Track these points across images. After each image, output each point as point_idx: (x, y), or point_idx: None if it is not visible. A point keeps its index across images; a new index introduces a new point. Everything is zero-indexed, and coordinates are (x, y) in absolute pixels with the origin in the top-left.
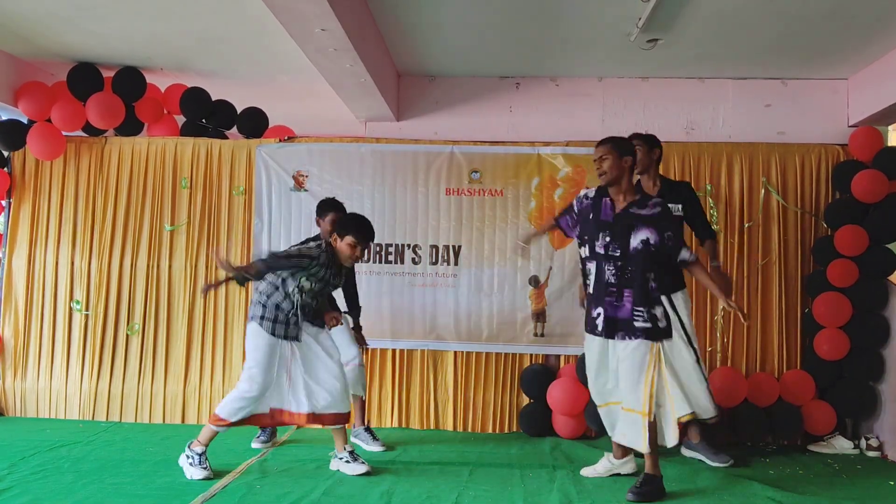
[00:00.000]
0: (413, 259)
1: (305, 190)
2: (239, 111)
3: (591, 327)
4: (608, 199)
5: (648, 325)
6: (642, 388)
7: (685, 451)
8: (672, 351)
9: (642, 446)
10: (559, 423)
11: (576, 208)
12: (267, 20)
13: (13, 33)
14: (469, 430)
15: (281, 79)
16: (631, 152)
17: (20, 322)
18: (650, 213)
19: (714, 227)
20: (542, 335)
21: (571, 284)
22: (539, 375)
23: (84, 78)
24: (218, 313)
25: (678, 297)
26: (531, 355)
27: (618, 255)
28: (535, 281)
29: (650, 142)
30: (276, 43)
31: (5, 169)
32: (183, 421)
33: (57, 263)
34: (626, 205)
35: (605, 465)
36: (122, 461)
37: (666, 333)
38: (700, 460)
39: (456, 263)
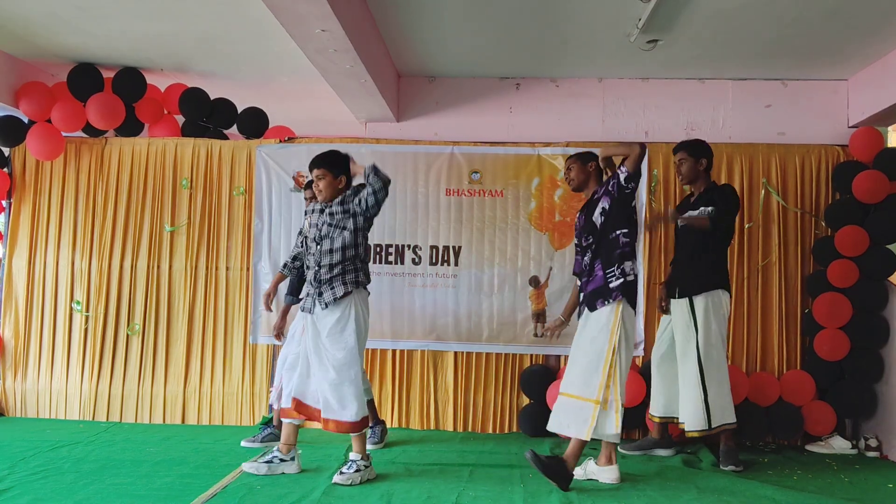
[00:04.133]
0: (413, 259)
1: None
2: (239, 111)
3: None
4: (581, 213)
5: (620, 280)
6: (599, 376)
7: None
8: (684, 354)
9: (584, 434)
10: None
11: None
12: (267, 20)
13: (13, 34)
14: (469, 430)
15: (281, 79)
16: (593, 157)
17: (20, 322)
18: (605, 187)
19: None
20: (543, 336)
21: (572, 285)
22: (539, 376)
23: (84, 78)
24: (218, 313)
25: (699, 302)
26: (531, 356)
27: (591, 241)
28: (535, 281)
29: (691, 148)
30: (276, 43)
31: (5, 169)
32: (183, 421)
33: (57, 264)
34: (588, 198)
35: (583, 469)
36: (123, 461)
37: (628, 290)
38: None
39: (456, 264)
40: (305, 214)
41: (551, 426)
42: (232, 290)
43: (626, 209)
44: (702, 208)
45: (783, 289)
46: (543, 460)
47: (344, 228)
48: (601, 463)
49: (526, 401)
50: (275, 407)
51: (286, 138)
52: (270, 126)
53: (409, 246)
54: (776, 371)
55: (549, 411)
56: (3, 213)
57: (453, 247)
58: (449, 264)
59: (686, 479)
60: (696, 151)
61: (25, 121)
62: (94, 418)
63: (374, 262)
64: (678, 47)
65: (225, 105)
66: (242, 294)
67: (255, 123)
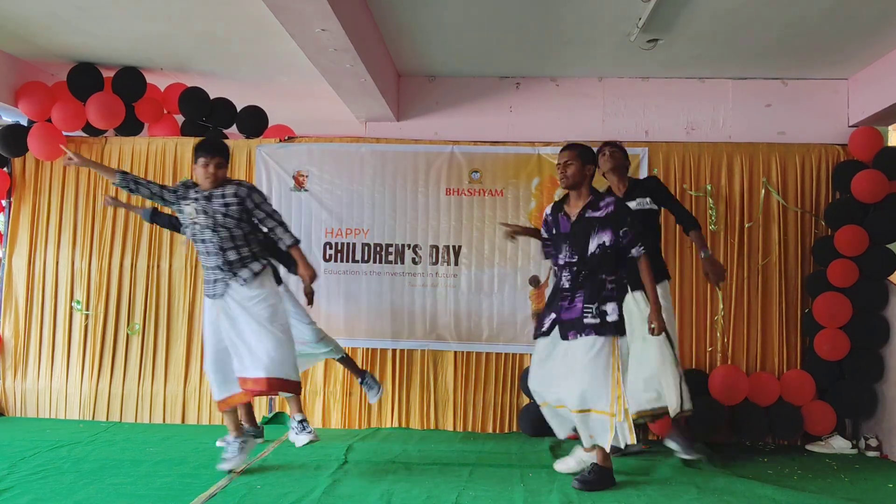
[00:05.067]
0: (413, 259)
1: (305, 190)
2: (238, 111)
3: (537, 331)
4: (562, 213)
5: (597, 320)
6: (610, 390)
7: (666, 441)
8: (642, 346)
9: (606, 444)
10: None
11: (544, 233)
12: (267, 20)
13: (13, 33)
14: (469, 430)
15: (281, 79)
16: (594, 161)
17: (20, 322)
18: (605, 213)
19: (713, 227)
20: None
21: None
22: None
23: (84, 78)
24: None
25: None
26: (531, 355)
27: (574, 260)
28: (535, 281)
29: (623, 150)
30: (276, 43)
31: (5, 169)
32: (183, 421)
33: (57, 263)
34: (580, 210)
35: (576, 459)
36: (123, 461)
37: (618, 329)
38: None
39: (456, 264)
40: (181, 201)
41: (586, 442)
42: None
43: (621, 260)
44: (640, 199)
45: (783, 289)
46: (590, 480)
47: (240, 218)
48: (588, 449)
49: (526, 401)
50: (215, 398)
51: (286, 138)
52: (270, 125)
53: (409, 246)
54: (776, 371)
55: None
56: (3, 213)
57: (453, 246)
58: (449, 264)
59: (686, 479)
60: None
61: (25, 122)
62: (94, 418)
63: (375, 262)
64: (678, 47)
65: (224, 104)
66: None
67: (254, 123)
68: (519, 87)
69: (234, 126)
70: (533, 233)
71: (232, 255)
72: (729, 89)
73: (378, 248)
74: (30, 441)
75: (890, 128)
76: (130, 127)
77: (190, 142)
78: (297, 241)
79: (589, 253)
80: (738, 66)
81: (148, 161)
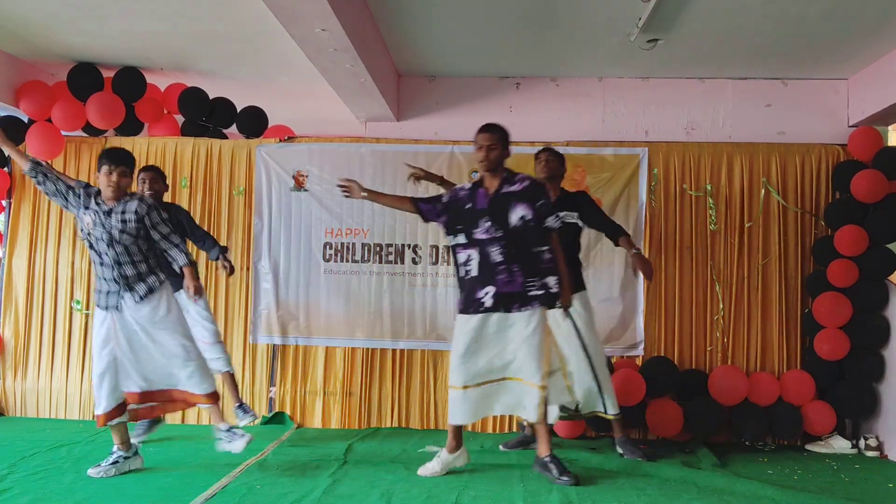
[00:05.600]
0: (413, 259)
1: (305, 190)
2: (238, 111)
3: (473, 307)
4: (482, 189)
5: (541, 291)
6: (543, 364)
7: (617, 447)
8: (558, 351)
9: (534, 417)
10: (558, 424)
11: (445, 199)
12: (267, 20)
13: (13, 33)
14: (469, 430)
15: (281, 79)
16: (509, 143)
17: (20, 322)
18: (521, 187)
19: (713, 226)
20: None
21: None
22: None
23: (84, 78)
24: (218, 313)
25: (574, 300)
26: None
27: (500, 235)
28: None
29: (560, 158)
30: (276, 43)
31: (5, 169)
32: (183, 421)
33: (57, 263)
34: (497, 186)
35: (441, 461)
36: None
37: (550, 300)
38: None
39: None
40: (82, 208)
41: (509, 411)
42: (232, 289)
43: (545, 233)
44: (566, 212)
45: (783, 288)
46: (567, 471)
47: (138, 235)
48: (451, 450)
49: None
50: (97, 413)
51: (286, 138)
52: (270, 125)
53: (409, 246)
54: (776, 371)
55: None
56: (3, 213)
57: None
58: (449, 264)
59: (686, 479)
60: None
61: (25, 120)
62: (93, 418)
63: (375, 261)
64: (678, 47)
65: (224, 104)
66: (242, 293)
67: (254, 123)
68: (519, 87)
69: (234, 126)
70: (438, 179)
71: (128, 270)
72: (729, 89)
73: (378, 248)
74: (30, 441)
75: (890, 128)
76: (130, 127)
77: (190, 142)
78: (190, 263)
79: (511, 226)
80: (738, 66)
81: (148, 161)
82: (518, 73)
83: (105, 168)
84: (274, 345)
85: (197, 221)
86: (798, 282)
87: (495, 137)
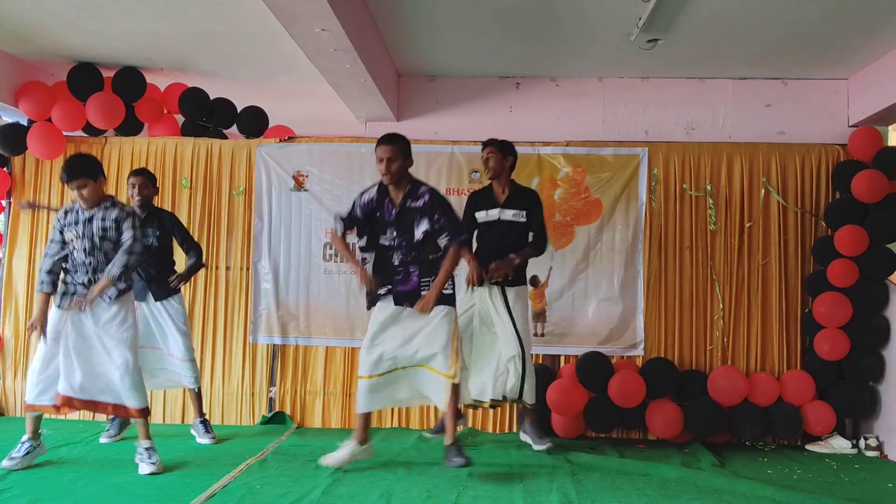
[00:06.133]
0: None
1: (306, 190)
2: (239, 111)
3: (371, 302)
4: (388, 199)
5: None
6: (448, 351)
7: (521, 436)
8: (494, 339)
9: (442, 405)
10: (558, 423)
11: (360, 214)
12: (267, 20)
13: (13, 33)
14: (469, 429)
15: (281, 79)
16: (411, 155)
17: (20, 322)
18: (422, 203)
19: (713, 226)
20: (542, 335)
21: (572, 285)
22: (539, 376)
23: (84, 78)
24: (218, 313)
25: (512, 292)
26: (531, 355)
27: (404, 245)
28: (535, 281)
29: (504, 149)
30: (276, 43)
31: (5, 169)
32: (183, 421)
33: None
34: (401, 200)
35: (349, 451)
36: (122, 461)
37: (452, 301)
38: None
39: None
40: (64, 232)
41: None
42: (232, 289)
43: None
44: (516, 211)
45: (783, 288)
46: (464, 454)
47: (117, 242)
48: (361, 440)
49: None
50: (27, 401)
51: (286, 138)
52: (270, 125)
53: None
54: (776, 371)
55: (549, 410)
56: (2, 213)
57: None
58: None
59: (686, 480)
60: (504, 149)
61: (25, 121)
62: (93, 418)
63: None
64: (678, 47)
65: (225, 104)
66: (242, 293)
67: (254, 123)
68: (519, 87)
69: (235, 126)
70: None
71: (102, 276)
72: (729, 89)
73: None
74: None
75: (890, 128)
76: (130, 127)
77: (190, 142)
78: (114, 277)
79: (416, 240)
80: (738, 66)
81: (147, 161)
82: (518, 73)
83: (67, 184)
84: (274, 345)
85: (197, 222)
86: (798, 282)
87: (395, 149)
